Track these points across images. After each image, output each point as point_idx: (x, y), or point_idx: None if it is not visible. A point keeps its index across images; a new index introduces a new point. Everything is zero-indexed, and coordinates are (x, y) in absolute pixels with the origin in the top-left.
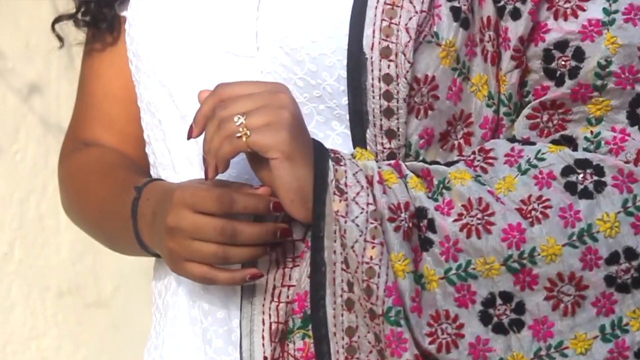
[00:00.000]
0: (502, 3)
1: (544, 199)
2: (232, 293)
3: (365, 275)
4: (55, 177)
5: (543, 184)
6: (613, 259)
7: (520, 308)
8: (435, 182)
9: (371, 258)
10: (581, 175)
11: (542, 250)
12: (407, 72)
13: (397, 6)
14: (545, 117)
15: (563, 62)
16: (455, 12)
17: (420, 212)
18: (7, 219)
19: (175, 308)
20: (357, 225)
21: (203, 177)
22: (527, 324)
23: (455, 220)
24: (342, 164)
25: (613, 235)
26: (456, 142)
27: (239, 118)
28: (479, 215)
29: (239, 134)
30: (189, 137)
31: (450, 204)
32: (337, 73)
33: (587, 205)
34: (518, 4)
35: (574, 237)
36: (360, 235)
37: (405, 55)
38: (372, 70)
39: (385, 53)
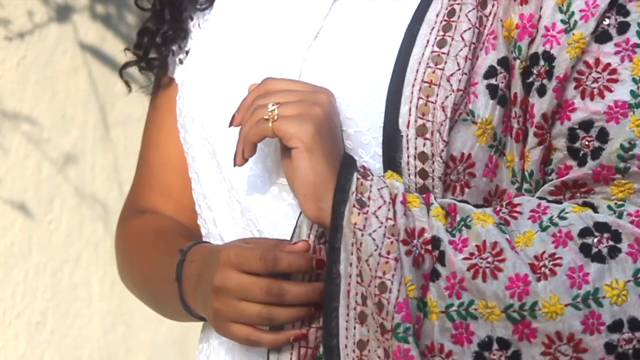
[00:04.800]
0: (530, 79)
1: (556, 256)
2: None
3: (378, 289)
4: (89, 248)
5: (559, 242)
6: (616, 326)
7: (515, 357)
8: (458, 218)
9: (384, 273)
10: (597, 239)
11: (544, 306)
12: (442, 150)
13: (435, 84)
14: (567, 195)
15: (587, 142)
16: (492, 89)
17: (435, 242)
18: (40, 289)
19: None
20: (374, 240)
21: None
22: None
23: (465, 259)
24: (368, 178)
25: (619, 303)
26: None
27: (272, 105)
28: (490, 259)
29: (266, 117)
30: (230, 124)
31: (465, 242)
32: (373, 150)
33: (597, 269)
34: (545, 81)
35: (579, 299)
36: (375, 250)
37: (440, 134)
38: (408, 148)
39: (421, 131)
